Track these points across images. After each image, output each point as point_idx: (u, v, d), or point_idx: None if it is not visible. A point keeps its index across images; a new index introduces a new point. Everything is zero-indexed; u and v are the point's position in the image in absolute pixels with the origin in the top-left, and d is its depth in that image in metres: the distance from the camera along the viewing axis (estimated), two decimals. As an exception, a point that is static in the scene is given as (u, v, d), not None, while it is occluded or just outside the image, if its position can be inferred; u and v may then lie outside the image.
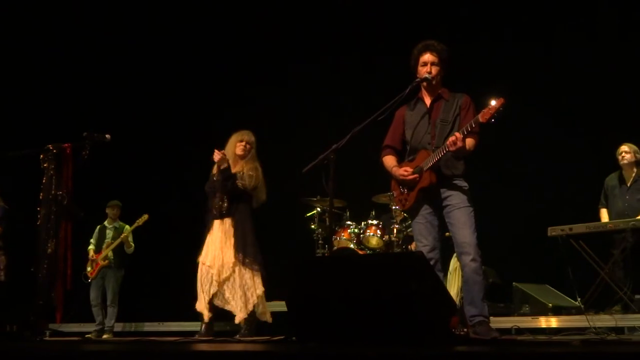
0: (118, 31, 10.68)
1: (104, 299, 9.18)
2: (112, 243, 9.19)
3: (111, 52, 10.77)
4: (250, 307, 6.70)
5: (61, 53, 10.74)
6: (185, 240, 7.67)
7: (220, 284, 6.71)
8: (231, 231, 6.79)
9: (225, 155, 6.85)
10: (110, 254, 9.19)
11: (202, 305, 6.79)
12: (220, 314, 6.94)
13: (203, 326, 6.83)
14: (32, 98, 10.73)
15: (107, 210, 9.47)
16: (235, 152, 6.97)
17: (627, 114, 8.10)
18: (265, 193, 7.02)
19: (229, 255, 6.72)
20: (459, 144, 4.83)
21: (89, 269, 9.18)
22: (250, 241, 6.77)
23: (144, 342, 6.11)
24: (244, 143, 6.99)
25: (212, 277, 6.73)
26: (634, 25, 8.35)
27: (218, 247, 6.79)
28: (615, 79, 8.23)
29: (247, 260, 6.72)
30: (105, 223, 9.47)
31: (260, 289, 6.74)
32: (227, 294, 6.71)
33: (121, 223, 9.44)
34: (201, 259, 6.84)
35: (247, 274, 6.72)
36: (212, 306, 6.76)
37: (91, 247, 9.31)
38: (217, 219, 6.89)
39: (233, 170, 6.86)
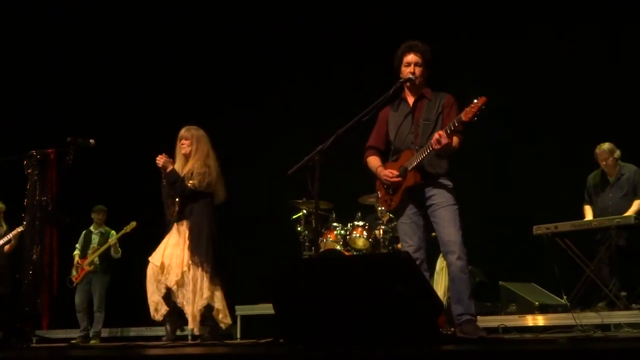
0: (102, 37, 10.66)
1: (90, 304, 9.13)
2: (98, 249, 9.16)
3: (95, 56, 10.74)
4: (196, 314, 6.18)
5: (45, 58, 10.70)
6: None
7: (173, 287, 6.25)
8: (186, 233, 6.35)
9: (166, 157, 6.45)
10: (96, 259, 9.15)
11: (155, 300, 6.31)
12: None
13: (168, 327, 6.43)
14: (15, 103, 10.68)
15: (93, 216, 9.43)
16: (181, 152, 6.56)
17: (607, 110, 8.14)
18: (224, 190, 6.58)
19: (180, 257, 6.27)
20: (444, 141, 4.81)
21: (74, 273, 9.14)
22: (204, 241, 6.28)
23: (131, 347, 6.10)
24: (183, 140, 6.55)
25: (160, 277, 6.28)
26: (605, 25, 8.43)
27: (170, 249, 6.36)
28: (592, 77, 8.27)
29: (197, 260, 6.22)
30: (91, 228, 9.42)
31: (205, 294, 6.21)
32: (179, 299, 6.24)
33: (107, 228, 9.41)
34: (153, 259, 6.36)
35: (198, 276, 6.22)
36: (167, 301, 6.28)
37: (76, 252, 9.28)
38: (174, 222, 6.49)
39: (184, 171, 6.45)
